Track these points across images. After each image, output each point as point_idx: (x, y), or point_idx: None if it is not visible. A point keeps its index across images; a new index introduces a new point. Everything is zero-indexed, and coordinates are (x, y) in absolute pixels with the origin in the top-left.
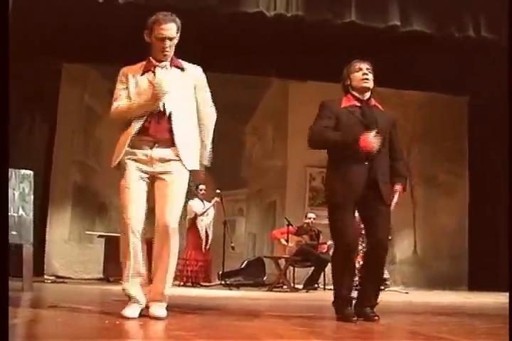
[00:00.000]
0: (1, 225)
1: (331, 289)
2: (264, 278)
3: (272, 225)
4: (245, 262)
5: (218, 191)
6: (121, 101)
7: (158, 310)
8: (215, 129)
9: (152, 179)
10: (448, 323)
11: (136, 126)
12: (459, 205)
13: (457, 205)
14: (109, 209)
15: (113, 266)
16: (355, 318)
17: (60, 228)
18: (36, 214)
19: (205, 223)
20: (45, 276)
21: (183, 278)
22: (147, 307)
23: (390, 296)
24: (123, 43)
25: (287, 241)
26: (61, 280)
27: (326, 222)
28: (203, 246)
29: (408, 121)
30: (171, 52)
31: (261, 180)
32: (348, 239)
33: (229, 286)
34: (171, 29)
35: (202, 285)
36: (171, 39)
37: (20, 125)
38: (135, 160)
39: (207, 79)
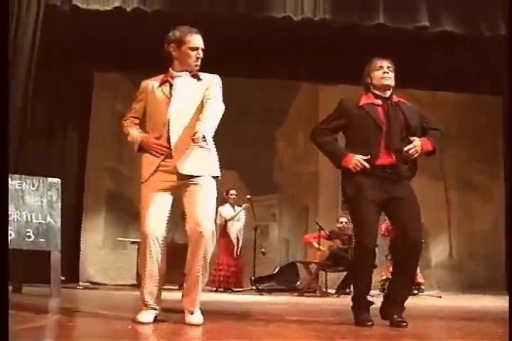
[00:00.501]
0: (1, 225)
1: None
2: (298, 283)
3: (304, 230)
4: (278, 267)
5: (248, 196)
6: (129, 117)
7: (194, 317)
8: (245, 136)
9: (179, 188)
10: (465, 328)
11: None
12: (495, 208)
13: (493, 208)
14: None
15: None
16: (371, 323)
17: (94, 235)
18: (70, 222)
19: (236, 228)
20: (80, 282)
21: (215, 283)
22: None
23: (423, 300)
24: (151, 51)
25: (319, 245)
26: (94, 286)
27: None
28: (235, 252)
29: (442, 122)
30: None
31: (293, 185)
32: (365, 241)
33: (260, 291)
34: (201, 40)
35: (233, 291)
36: (202, 49)
37: (53, 133)
38: (160, 171)
39: (238, 85)
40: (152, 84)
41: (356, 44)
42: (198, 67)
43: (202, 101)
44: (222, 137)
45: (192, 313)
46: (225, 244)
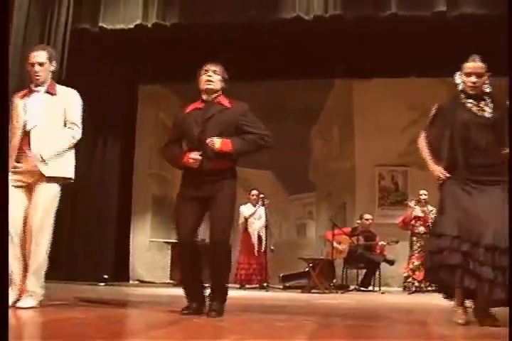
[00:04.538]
0: (1, 225)
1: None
2: (334, 281)
3: (342, 227)
4: (311, 264)
5: (262, 195)
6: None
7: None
8: (280, 136)
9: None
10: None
11: None
12: None
13: None
14: None
15: (177, 271)
16: (187, 312)
17: (142, 237)
18: (121, 225)
19: (257, 226)
20: (130, 281)
21: (237, 281)
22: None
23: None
24: (188, 61)
25: (339, 243)
26: (144, 284)
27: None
28: (256, 249)
29: None
30: None
31: (330, 182)
32: (180, 235)
33: (286, 289)
34: (40, 55)
35: (261, 288)
36: (40, 64)
37: (96, 144)
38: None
39: (269, 87)
40: (17, 98)
41: (381, 36)
42: (41, 81)
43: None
44: None
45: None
46: (246, 243)
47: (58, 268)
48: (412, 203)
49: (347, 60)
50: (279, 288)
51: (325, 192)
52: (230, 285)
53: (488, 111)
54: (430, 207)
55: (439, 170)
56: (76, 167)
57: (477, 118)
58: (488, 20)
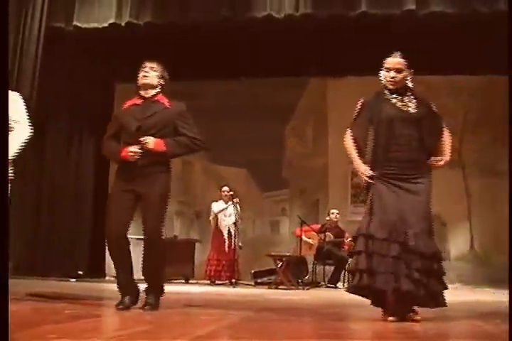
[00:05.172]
0: (1, 224)
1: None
2: (306, 277)
3: (314, 224)
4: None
5: (231, 193)
6: None
7: None
8: (255, 134)
9: None
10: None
11: None
12: None
13: None
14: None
15: None
16: (121, 307)
17: None
18: (97, 222)
19: (227, 223)
20: (107, 277)
21: (207, 277)
22: None
23: None
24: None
25: (308, 238)
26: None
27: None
28: (227, 246)
29: (460, 108)
30: None
31: (303, 180)
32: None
33: (257, 285)
34: None
35: (216, 284)
36: None
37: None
38: None
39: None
40: None
41: (353, 35)
42: None
43: None
44: (233, 137)
45: None
46: (216, 239)
47: (33, 265)
48: None
49: (320, 58)
50: (250, 285)
51: (298, 189)
52: (200, 281)
53: (412, 107)
54: None
55: (363, 169)
56: (52, 165)
57: (402, 114)
58: (458, 18)
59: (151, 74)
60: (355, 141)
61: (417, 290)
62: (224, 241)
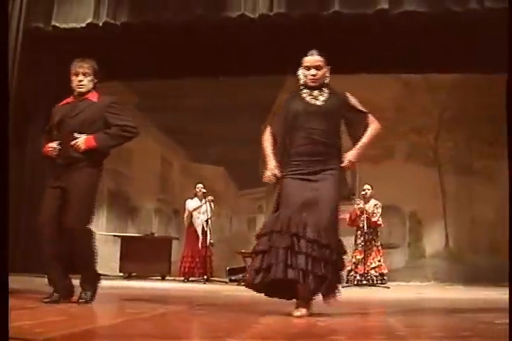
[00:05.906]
0: (1, 224)
1: None
2: None
3: None
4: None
5: (204, 191)
6: None
7: None
8: (232, 133)
9: None
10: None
11: None
12: (498, 193)
13: (496, 193)
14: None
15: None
16: (48, 300)
17: (98, 230)
18: None
19: (201, 220)
20: None
21: (181, 274)
22: None
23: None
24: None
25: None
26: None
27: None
28: (200, 243)
29: (436, 106)
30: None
31: None
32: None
33: (232, 282)
34: None
35: (189, 281)
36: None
37: None
38: None
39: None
40: None
41: (327, 34)
42: None
43: None
44: (211, 136)
45: None
46: (190, 236)
47: (14, 260)
48: (358, 200)
49: (295, 58)
50: (224, 282)
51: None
52: (175, 277)
53: (321, 100)
54: (374, 201)
55: (270, 169)
56: (33, 164)
57: (307, 107)
58: (430, 17)
59: (84, 81)
60: (273, 137)
61: (303, 279)
62: (198, 239)
